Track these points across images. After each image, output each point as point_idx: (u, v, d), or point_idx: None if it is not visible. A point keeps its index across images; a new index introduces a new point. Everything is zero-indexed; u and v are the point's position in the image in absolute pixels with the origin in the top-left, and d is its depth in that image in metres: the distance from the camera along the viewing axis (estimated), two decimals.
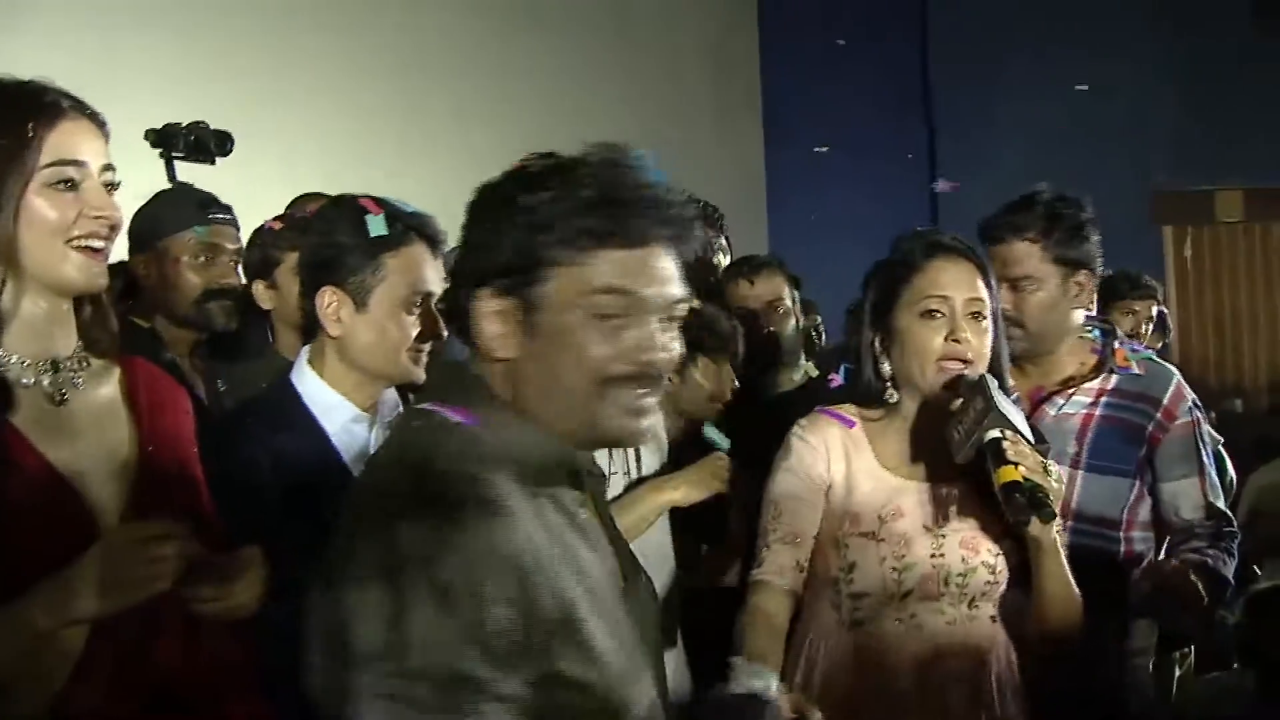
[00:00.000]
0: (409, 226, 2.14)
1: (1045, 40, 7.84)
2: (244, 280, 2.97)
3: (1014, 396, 2.25)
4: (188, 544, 1.56)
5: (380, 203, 2.15)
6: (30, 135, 1.59)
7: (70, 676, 1.58)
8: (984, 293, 2.25)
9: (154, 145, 3.24)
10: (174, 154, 3.22)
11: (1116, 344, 2.75)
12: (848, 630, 2.29)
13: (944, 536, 2.25)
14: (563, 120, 5.99)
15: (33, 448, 1.61)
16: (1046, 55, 7.83)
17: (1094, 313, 2.91)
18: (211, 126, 3.29)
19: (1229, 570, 2.64)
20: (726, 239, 3.99)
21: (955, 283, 2.23)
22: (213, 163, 3.31)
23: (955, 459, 2.16)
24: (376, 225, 2.10)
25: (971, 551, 2.25)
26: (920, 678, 2.24)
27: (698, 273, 2.83)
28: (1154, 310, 4.85)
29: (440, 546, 1.29)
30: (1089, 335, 2.75)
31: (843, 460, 2.32)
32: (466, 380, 1.48)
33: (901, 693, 2.24)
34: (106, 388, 1.75)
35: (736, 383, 3.10)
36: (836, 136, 7.92)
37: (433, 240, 2.16)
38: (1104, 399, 2.67)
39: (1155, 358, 2.83)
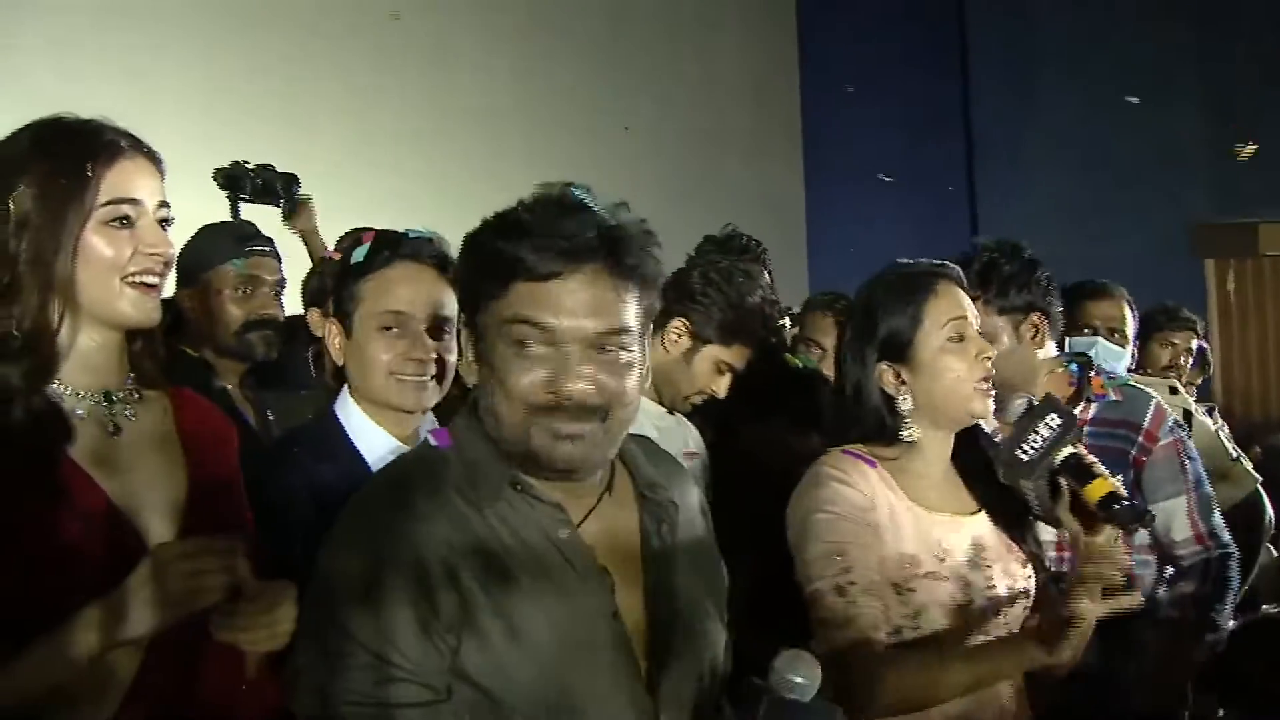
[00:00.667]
0: (393, 252, 2.15)
1: (1084, 73, 7.82)
2: (288, 310, 3.03)
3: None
4: (234, 558, 1.57)
5: (376, 232, 2.20)
6: (89, 175, 1.63)
7: (122, 702, 1.60)
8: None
9: (221, 186, 3.31)
10: (241, 196, 3.30)
11: (1093, 373, 2.78)
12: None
13: (990, 568, 2.16)
14: (603, 155, 6.04)
15: (89, 479, 1.64)
16: (1085, 87, 7.81)
17: (1070, 346, 2.95)
18: (278, 169, 3.37)
19: (1222, 616, 2.69)
20: (769, 271, 4.01)
21: (965, 304, 2.22)
22: (278, 205, 3.37)
23: (1018, 480, 2.11)
24: (358, 254, 2.15)
25: (1012, 580, 2.19)
26: (969, 713, 2.16)
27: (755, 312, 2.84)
28: (1193, 343, 4.80)
29: (357, 550, 1.52)
30: (1065, 368, 2.77)
31: (885, 501, 2.17)
32: (469, 408, 1.64)
33: None
34: (157, 419, 1.77)
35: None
36: (876, 169, 7.92)
37: (417, 259, 2.15)
38: (1085, 429, 2.64)
39: (1133, 382, 2.84)
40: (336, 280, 2.19)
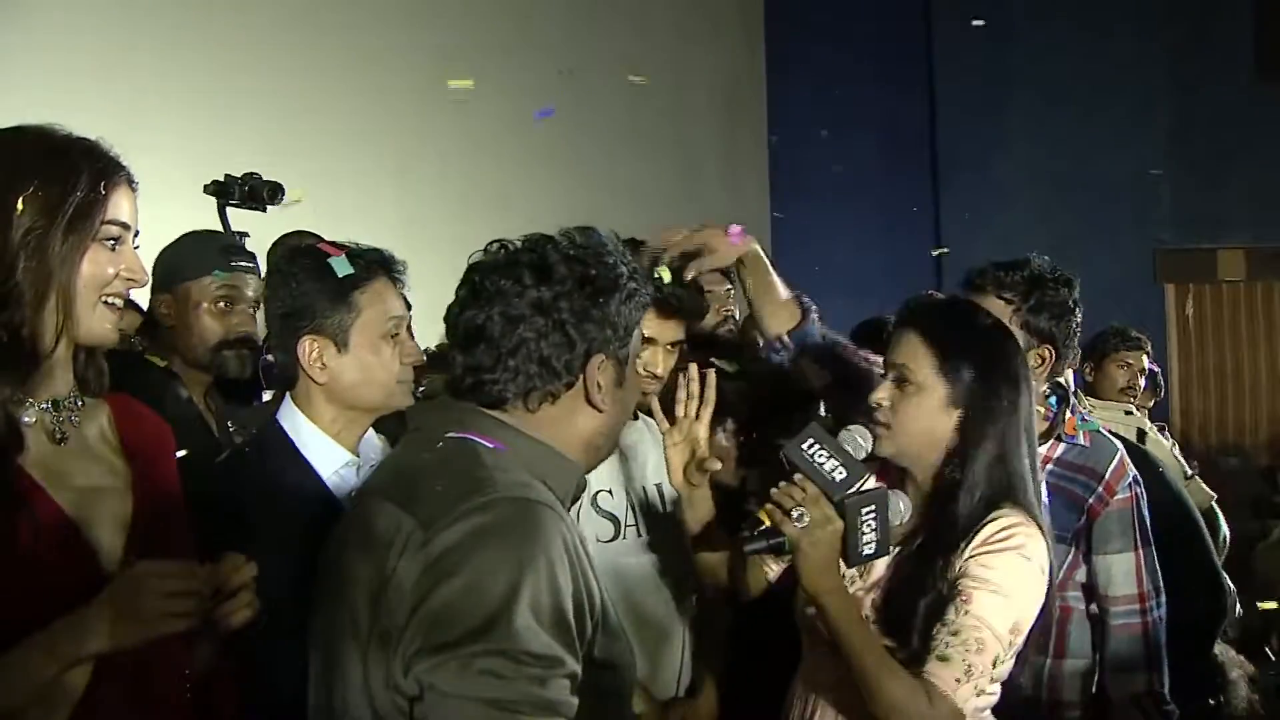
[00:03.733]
0: (370, 262, 2.17)
1: (1050, 98, 7.94)
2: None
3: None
4: (205, 583, 1.59)
5: (337, 245, 2.20)
6: (103, 193, 1.65)
7: (73, 715, 1.59)
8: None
9: (211, 194, 3.33)
10: (229, 203, 3.32)
11: (1069, 412, 2.77)
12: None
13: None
14: (573, 177, 6.06)
15: (39, 486, 1.63)
16: (1050, 113, 7.94)
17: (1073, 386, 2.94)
18: (264, 177, 3.42)
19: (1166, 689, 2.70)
20: (743, 287, 4.02)
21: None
22: (264, 210, 3.41)
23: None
24: (341, 266, 2.13)
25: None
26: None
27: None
28: (1146, 364, 4.89)
29: (515, 541, 1.53)
30: (1044, 400, 2.78)
31: None
32: (482, 419, 1.68)
33: None
34: (98, 426, 1.77)
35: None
36: (841, 189, 8.00)
37: (393, 271, 2.20)
38: (1049, 466, 2.67)
39: (1103, 430, 2.85)
40: (318, 295, 2.17)
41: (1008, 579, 2.08)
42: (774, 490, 2.08)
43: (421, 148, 5.27)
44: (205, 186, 3.35)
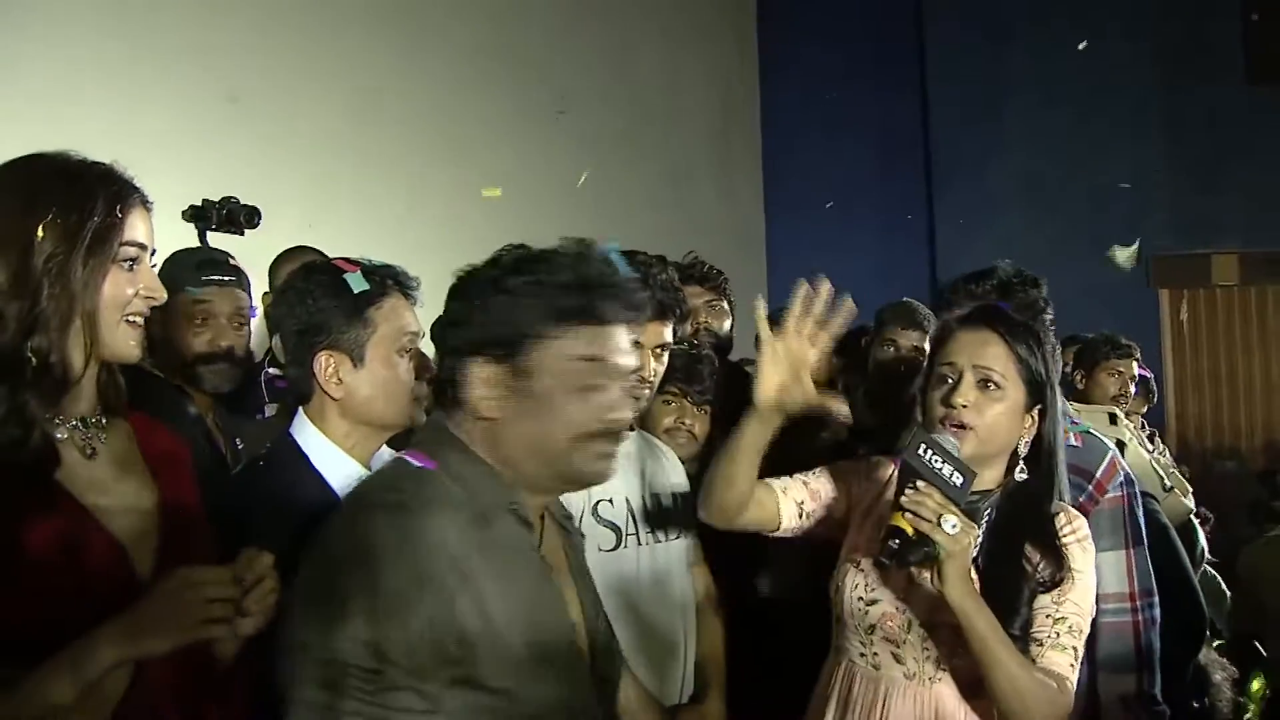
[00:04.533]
0: (385, 277, 2.20)
1: (1042, 102, 7.96)
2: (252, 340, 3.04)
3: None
4: (241, 589, 1.65)
5: (352, 261, 2.22)
6: (120, 217, 1.72)
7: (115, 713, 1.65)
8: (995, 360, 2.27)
9: (189, 220, 3.37)
10: (208, 227, 3.36)
11: None
12: (834, 653, 2.39)
13: (921, 587, 2.24)
14: (567, 185, 6.05)
15: (73, 498, 1.69)
16: (1044, 118, 7.95)
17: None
18: (241, 201, 3.47)
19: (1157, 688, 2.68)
20: (730, 301, 4.04)
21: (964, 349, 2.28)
22: (241, 234, 3.46)
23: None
24: (357, 282, 2.15)
25: (944, 605, 2.18)
26: None
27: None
28: (1136, 370, 4.92)
29: (368, 562, 1.56)
30: None
31: (872, 499, 2.40)
32: (442, 435, 1.74)
33: None
34: (123, 443, 1.83)
35: (696, 424, 3.09)
36: (836, 197, 8.01)
37: (406, 288, 2.22)
38: None
39: (1094, 431, 2.86)
40: (334, 311, 2.16)
41: (1085, 567, 2.23)
42: (905, 499, 2.06)
43: (411, 159, 5.27)
44: (183, 212, 3.40)
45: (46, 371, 1.68)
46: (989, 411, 2.23)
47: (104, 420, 1.81)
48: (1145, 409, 5.26)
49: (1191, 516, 4.25)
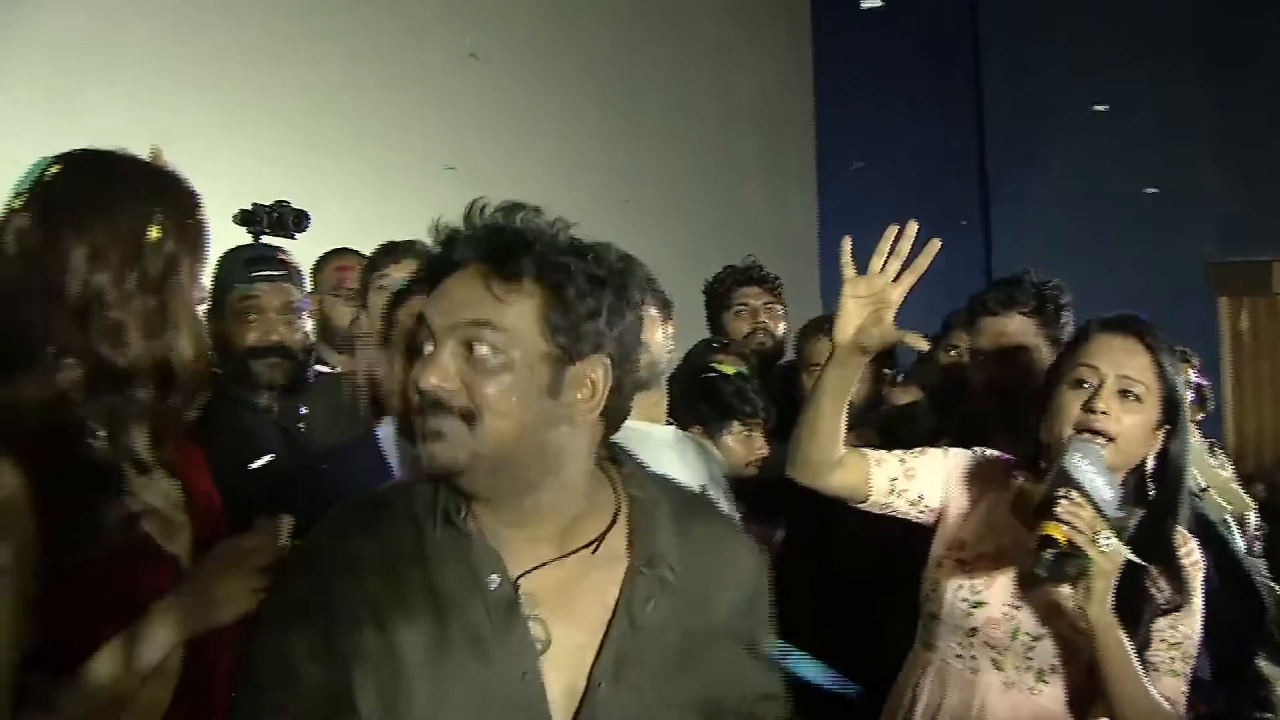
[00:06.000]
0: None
1: (1099, 106, 7.87)
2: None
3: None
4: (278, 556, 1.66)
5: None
6: (204, 218, 1.73)
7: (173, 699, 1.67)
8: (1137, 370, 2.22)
9: (239, 224, 3.43)
10: (260, 231, 3.42)
11: None
12: (923, 649, 2.35)
13: (1035, 595, 2.20)
14: (616, 183, 6.07)
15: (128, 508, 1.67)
16: (1099, 121, 7.87)
17: None
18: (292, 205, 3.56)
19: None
20: (784, 306, 4.09)
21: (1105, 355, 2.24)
22: (292, 237, 3.52)
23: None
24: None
25: (1054, 616, 2.18)
26: None
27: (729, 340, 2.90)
28: (1193, 378, 4.84)
29: (291, 568, 1.55)
30: None
31: (976, 494, 2.35)
32: None
33: None
34: (144, 438, 1.79)
35: (766, 449, 3.16)
36: (889, 207, 7.94)
37: None
38: None
39: None
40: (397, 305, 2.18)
41: (1197, 590, 2.19)
42: (1061, 508, 2.01)
43: (466, 158, 5.31)
44: (234, 216, 3.46)
45: (166, 376, 1.66)
46: (1127, 422, 2.17)
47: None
48: (1201, 416, 5.19)
49: (1227, 516, 4.18)
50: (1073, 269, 2.96)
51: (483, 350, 1.42)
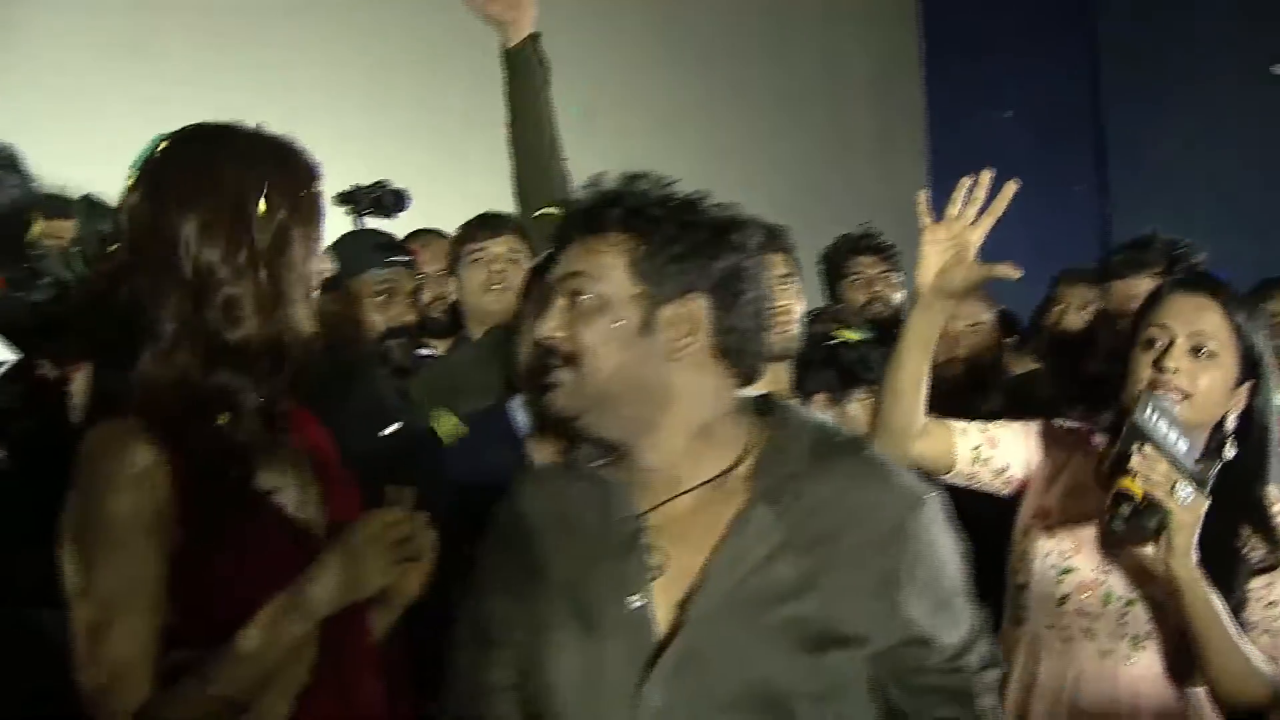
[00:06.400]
0: None
1: (1218, 71, 7.62)
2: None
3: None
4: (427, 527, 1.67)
5: None
6: (317, 192, 1.71)
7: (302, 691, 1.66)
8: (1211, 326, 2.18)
9: (338, 204, 3.51)
10: (360, 211, 3.48)
11: None
12: (1013, 626, 2.31)
13: (1125, 557, 2.16)
14: (724, 153, 6.03)
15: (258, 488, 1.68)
16: (1220, 87, 7.61)
17: None
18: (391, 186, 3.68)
19: None
20: (901, 274, 4.03)
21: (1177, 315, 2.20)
22: (391, 218, 3.65)
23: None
24: None
25: (1146, 580, 2.13)
26: (1052, 705, 2.20)
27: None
28: None
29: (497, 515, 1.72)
30: None
31: (1060, 461, 2.32)
32: None
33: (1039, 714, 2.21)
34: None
35: None
36: (1002, 171, 7.79)
37: None
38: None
39: None
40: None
41: None
42: (1136, 461, 1.99)
43: (566, 134, 5.33)
44: (334, 198, 3.52)
45: (279, 353, 1.65)
46: (1201, 379, 2.14)
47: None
48: None
49: None
50: (1194, 234, 2.88)
51: (581, 298, 1.57)
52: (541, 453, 2.00)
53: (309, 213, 1.68)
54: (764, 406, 1.67)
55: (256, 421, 1.65)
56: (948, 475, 2.32)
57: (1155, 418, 2.02)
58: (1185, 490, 1.96)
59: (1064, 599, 2.21)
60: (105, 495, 1.56)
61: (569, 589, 1.60)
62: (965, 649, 1.59)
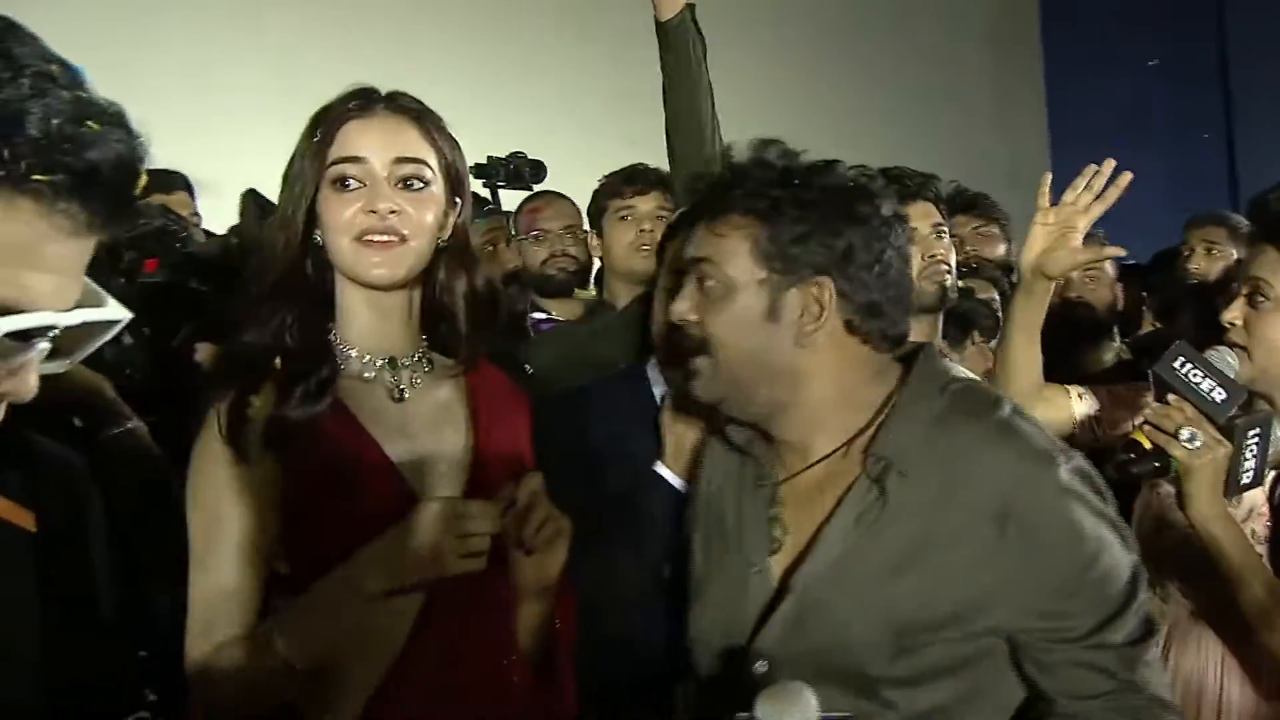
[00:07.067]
0: None
1: None
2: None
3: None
4: (500, 520, 1.58)
5: None
6: (321, 139, 1.67)
7: (390, 673, 1.62)
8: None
9: (477, 176, 3.57)
10: (497, 183, 3.55)
11: None
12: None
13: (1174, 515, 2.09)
14: (838, 115, 6.01)
15: (371, 439, 1.66)
16: None
17: None
18: (528, 156, 3.71)
19: None
20: (1002, 224, 3.92)
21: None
22: (529, 189, 3.65)
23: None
24: None
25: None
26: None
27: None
28: None
29: None
30: None
31: None
32: None
33: None
34: (448, 391, 1.77)
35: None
36: (1125, 127, 7.65)
37: None
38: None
39: None
40: None
41: None
42: (1149, 411, 1.97)
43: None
44: (470, 168, 3.61)
45: (312, 294, 1.69)
46: (1261, 329, 1.99)
47: (428, 364, 1.76)
48: None
49: None
50: None
51: (709, 283, 1.57)
52: (675, 424, 1.98)
53: (311, 164, 1.68)
54: (909, 358, 1.64)
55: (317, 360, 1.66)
56: (1068, 439, 2.23)
57: (1183, 367, 1.97)
58: (1187, 434, 1.91)
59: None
60: (198, 453, 1.65)
61: (719, 551, 1.68)
62: (1105, 625, 1.50)
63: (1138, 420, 2.09)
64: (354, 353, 1.70)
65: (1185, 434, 1.91)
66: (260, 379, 1.63)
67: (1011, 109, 8.09)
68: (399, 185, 1.66)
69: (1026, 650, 1.53)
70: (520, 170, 3.69)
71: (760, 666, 1.55)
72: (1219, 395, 1.94)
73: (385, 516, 1.57)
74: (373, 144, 1.65)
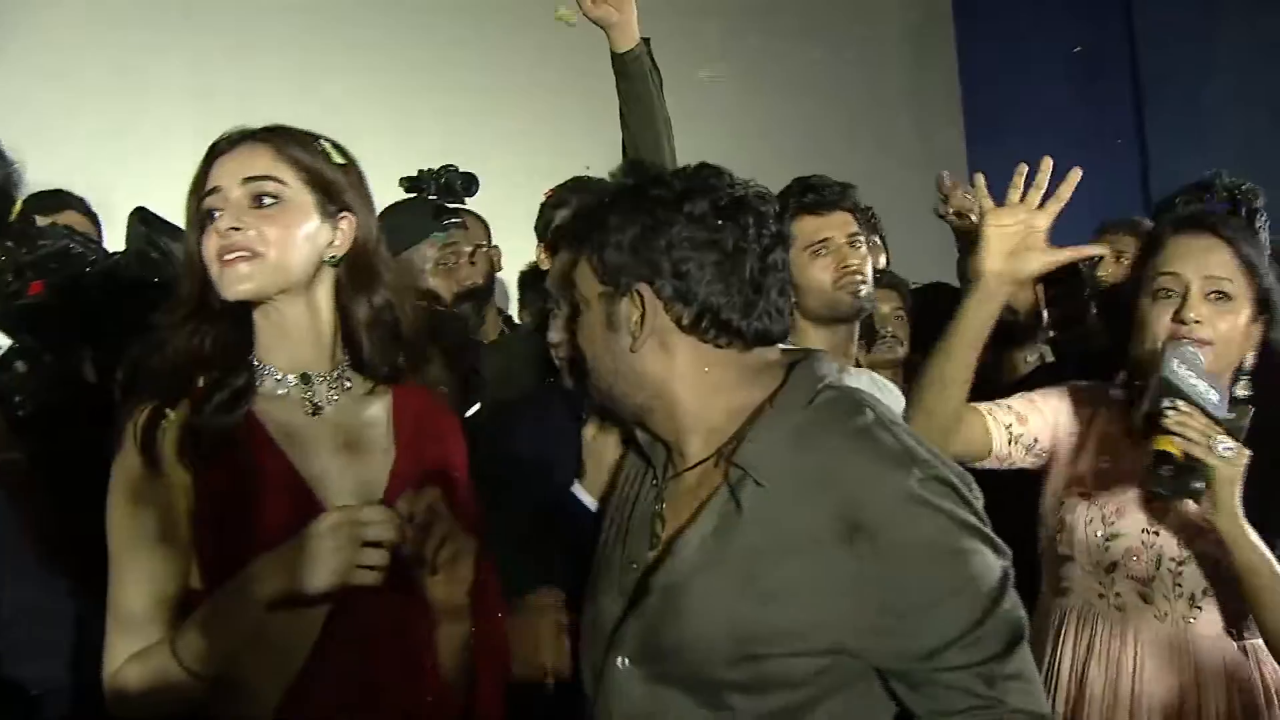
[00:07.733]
0: None
1: (1259, 9, 7.44)
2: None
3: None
4: (402, 533, 1.61)
5: None
6: (195, 178, 1.76)
7: (290, 689, 1.66)
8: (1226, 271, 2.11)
9: (408, 190, 3.46)
10: (429, 197, 3.46)
11: None
12: (1055, 595, 2.24)
13: (1171, 516, 2.11)
14: (758, 114, 5.98)
15: (283, 454, 1.72)
16: (1261, 31, 7.44)
17: None
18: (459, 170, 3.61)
19: None
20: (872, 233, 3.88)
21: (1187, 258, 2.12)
22: (462, 202, 3.59)
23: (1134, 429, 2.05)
24: None
25: (1196, 536, 2.09)
26: (1115, 675, 2.14)
27: None
28: None
29: None
30: None
31: (1084, 424, 2.26)
32: None
33: (1096, 687, 2.15)
34: (375, 410, 1.83)
35: None
36: (1039, 122, 7.69)
37: None
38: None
39: None
40: None
41: None
42: (1170, 420, 1.93)
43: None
44: (400, 181, 3.49)
45: (228, 317, 1.75)
46: (1222, 325, 2.07)
47: (346, 383, 1.80)
48: None
49: None
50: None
51: (566, 305, 1.78)
52: (596, 439, 2.03)
53: (193, 197, 1.78)
54: (792, 364, 1.66)
55: (236, 399, 1.72)
56: (984, 462, 2.24)
57: (1182, 370, 1.96)
58: (1224, 444, 1.90)
59: (1113, 566, 2.15)
60: (115, 464, 1.69)
61: (614, 545, 1.74)
62: (953, 643, 1.49)
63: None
64: (269, 369, 1.76)
65: (1222, 444, 1.89)
66: (178, 393, 1.69)
67: (928, 102, 8.13)
68: (252, 205, 1.71)
69: (892, 674, 1.54)
70: (451, 183, 3.60)
71: (622, 662, 1.62)
72: (1214, 396, 1.94)
73: (294, 531, 1.60)
74: (227, 173, 1.72)
